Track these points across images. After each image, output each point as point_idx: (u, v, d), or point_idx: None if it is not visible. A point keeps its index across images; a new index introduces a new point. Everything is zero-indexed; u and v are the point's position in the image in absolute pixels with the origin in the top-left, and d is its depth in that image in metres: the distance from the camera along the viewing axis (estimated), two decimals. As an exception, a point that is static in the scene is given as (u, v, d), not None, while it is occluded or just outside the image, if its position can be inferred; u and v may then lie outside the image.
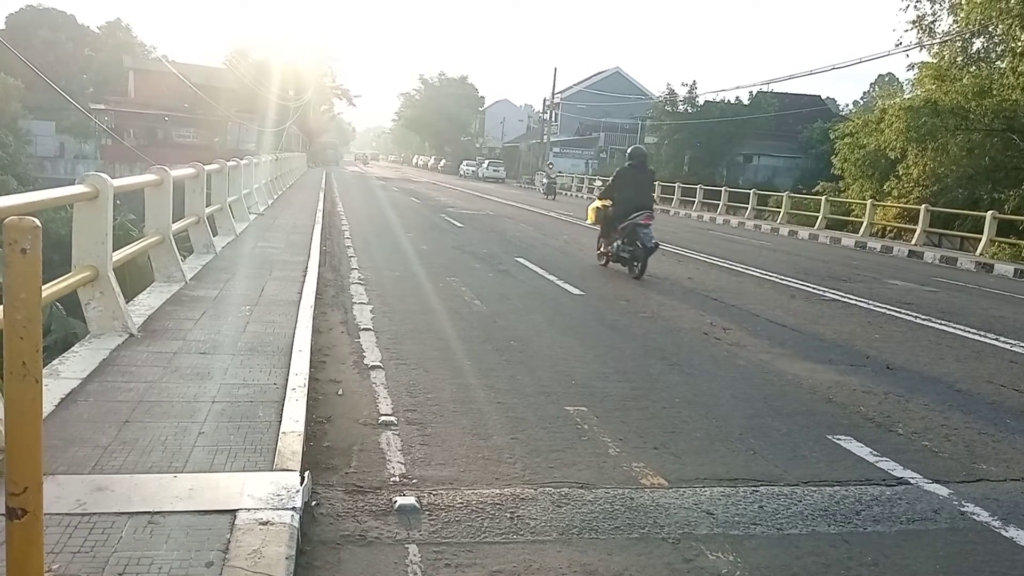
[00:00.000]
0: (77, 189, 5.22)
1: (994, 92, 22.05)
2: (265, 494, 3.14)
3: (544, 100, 60.55)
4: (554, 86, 58.53)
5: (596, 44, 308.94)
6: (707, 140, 44.43)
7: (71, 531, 2.75)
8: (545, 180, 40.01)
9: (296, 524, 2.96)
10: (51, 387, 4.15)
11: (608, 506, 3.61)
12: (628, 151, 12.37)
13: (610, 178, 12.48)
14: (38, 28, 60.16)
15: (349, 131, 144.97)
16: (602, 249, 12.16)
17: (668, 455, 4.33)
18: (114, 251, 5.62)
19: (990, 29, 22.36)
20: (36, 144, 46.91)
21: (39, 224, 2.06)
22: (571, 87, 69.50)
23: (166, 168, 7.58)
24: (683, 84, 55.77)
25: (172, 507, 2.99)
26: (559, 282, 10.34)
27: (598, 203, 12.18)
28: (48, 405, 3.88)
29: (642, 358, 6.60)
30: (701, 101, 45.94)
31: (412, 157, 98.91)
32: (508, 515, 3.45)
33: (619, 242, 11.35)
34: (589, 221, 12.81)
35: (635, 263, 11.04)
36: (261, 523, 2.91)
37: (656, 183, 13.68)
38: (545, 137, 60.21)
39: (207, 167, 10.32)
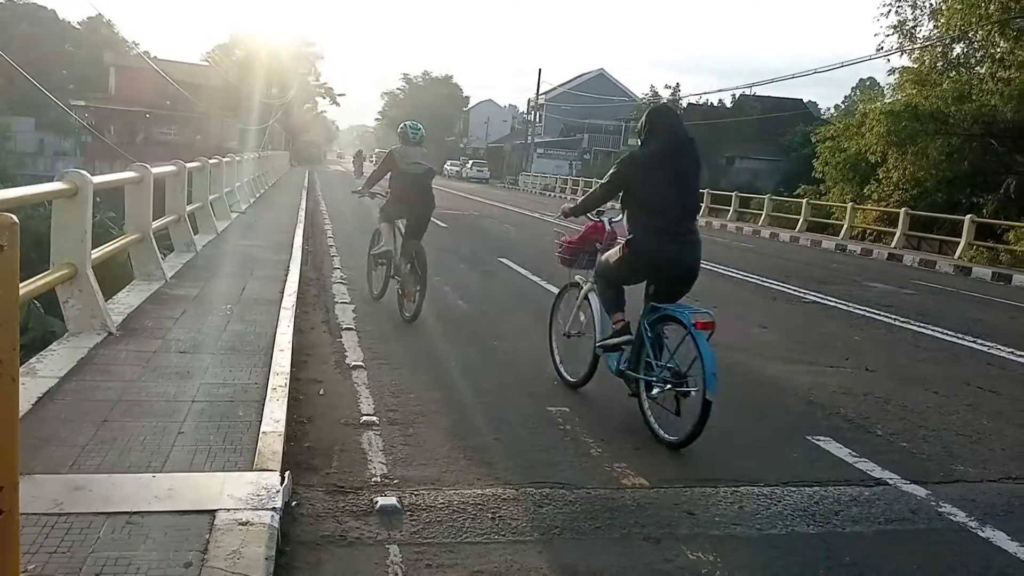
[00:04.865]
0: (56, 186, 5.17)
1: (973, 97, 22.35)
2: (245, 494, 3.12)
3: (528, 101, 60.68)
4: (538, 87, 58.61)
5: (580, 46, 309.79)
6: (690, 142, 44.59)
7: (48, 531, 2.72)
8: None
9: (276, 524, 2.94)
10: (28, 386, 4.10)
11: (589, 506, 3.62)
12: None
13: None
14: (18, 23, 59.36)
15: (332, 130, 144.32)
16: None
17: (649, 455, 4.35)
18: (93, 249, 5.57)
19: (970, 35, 22.67)
20: (16, 140, 46.31)
21: (17, 221, 2.04)
22: (555, 88, 69.53)
23: (147, 165, 7.52)
24: (666, 87, 56.16)
25: (151, 507, 2.97)
26: (542, 282, 10.33)
27: None
28: (25, 404, 3.83)
29: (624, 359, 6.60)
30: (684, 104, 46.24)
31: None
32: (489, 515, 3.45)
33: None
34: None
35: None
36: (240, 523, 2.89)
37: None
38: (529, 138, 60.27)
39: (188, 165, 10.24)
